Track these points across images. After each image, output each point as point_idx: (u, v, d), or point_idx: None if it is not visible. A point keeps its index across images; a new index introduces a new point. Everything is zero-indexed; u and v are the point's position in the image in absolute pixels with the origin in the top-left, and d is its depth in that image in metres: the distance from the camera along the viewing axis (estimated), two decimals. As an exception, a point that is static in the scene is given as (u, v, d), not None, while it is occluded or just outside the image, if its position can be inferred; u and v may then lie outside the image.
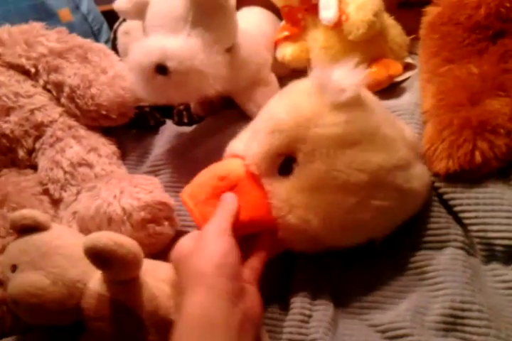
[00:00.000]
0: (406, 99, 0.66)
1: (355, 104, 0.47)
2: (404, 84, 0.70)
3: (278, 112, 0.49)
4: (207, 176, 0.51)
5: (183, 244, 0.46)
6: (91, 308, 0.47)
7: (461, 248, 0.50)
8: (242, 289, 0.42)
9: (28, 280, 0.46)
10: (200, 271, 0.41)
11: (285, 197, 0.47)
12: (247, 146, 0.52)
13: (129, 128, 0.77)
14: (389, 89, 0.69)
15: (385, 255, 0.52)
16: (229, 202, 0.48)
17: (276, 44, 0.77)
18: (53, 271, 0.47)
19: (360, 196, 0.46)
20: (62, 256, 0.48)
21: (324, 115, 0.47)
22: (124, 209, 0.55)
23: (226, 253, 0.42)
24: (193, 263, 0.42)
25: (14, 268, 0.48)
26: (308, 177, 0.47)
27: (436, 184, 0.53)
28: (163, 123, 0.79)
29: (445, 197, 0.52)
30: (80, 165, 0.64)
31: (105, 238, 0.43)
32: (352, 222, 0.47)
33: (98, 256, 0.43)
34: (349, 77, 0.47)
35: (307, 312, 0.48)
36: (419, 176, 0.50)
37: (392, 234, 0.51)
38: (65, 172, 0.63)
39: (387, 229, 0.50)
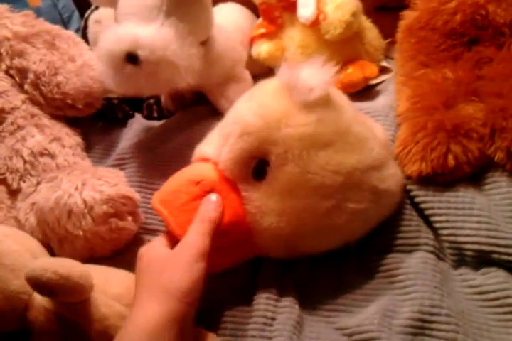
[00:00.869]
0: (380, 102, 0.65)
1: (324, 103, 0.46)
2: (378, 87, 0.70)
3: (245, 114, 0.47)
4: (179, 182, 0.49)
5: (156, 250, 0.45)
6: (37, 323, 0.44)
7: (432, 252, 0.49)
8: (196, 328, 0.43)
9: None
10: (166, 290, 0.41)
11: (259, 202, 0.46)
12: (217, 151, 0.49)
13: (95, 119, 0.74)
14: (363, 92, 0.69)
15: (354, 257, 0.51)
16: (210, 210, 0.45)
17: (252, 41, 0.75)
18: None
19: (336, 199, 0.45)
20: (3, 266, 0.44)
21: (294, 115, 0.45)
22: (85, 201, 0.52)
23: (195, 281, 0.42)
24: (162, 278, 0.42)
25: None
26: (282, 181, 0.45)
27: (408, 187, 0.52)
28: (132, 116, 0.76)
29: (416, 200, 0.52)
30: (42, 154, 0.61)
31: (49, 272, 0.40)
32: (327, 226, 0.46)
33: (42, 288, 0.41)
34: (317, 75, 0.45)
35: (270, 314, 0.47)
36: (393, 176, 0.49)
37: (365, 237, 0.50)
38: (25, 161, 0.60)
39: (362, 232, 0.49)
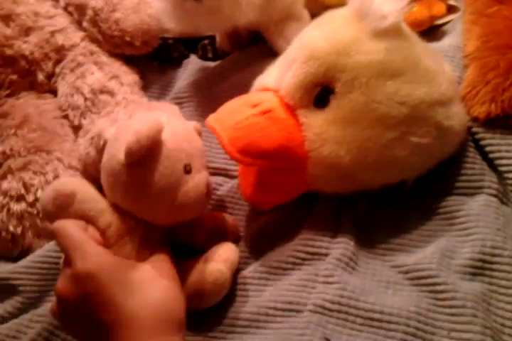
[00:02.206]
0: (446, 42, 0.62)
1: (396, 31, 0.45)
2: (445, 28, 0.66)
3: (314, 39, 0.47)
4: (236, 104, 0.49)
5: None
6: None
7: (495, 195, 0.48)
8: None
9: None
10: (174, 321, 0.38)
11: (319, 130, 0.45)
12: (279, 78, 0.49)
13: (150, 59, 0.74)
14: (429, 32, 0.65)
15: (414, 199, 0.50)
16: None
17: (311, -22, 0.72)
18: None
19: (399, 131, 0.44)
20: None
21: (364, 42, 0.45)
22: None
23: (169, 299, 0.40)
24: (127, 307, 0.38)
25: None
26: (346, 109, 0.45)
27: (474, 129, 0.51)
28: (187, 56, 0.76)
29: (482, 143, 0.50)
30: (101, 92, 0.62)
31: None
32: (387, 158, 0.45)
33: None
34: (391, 3, 0.44)
35: (324, 250, 0.47)
36: (458, 115, 0.48)
37: (423, 179, 0.49)
38: (86, 99, 0.61)
39: (422, 169, 0.48)
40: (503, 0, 0.57)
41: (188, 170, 0.45)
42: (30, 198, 0.56)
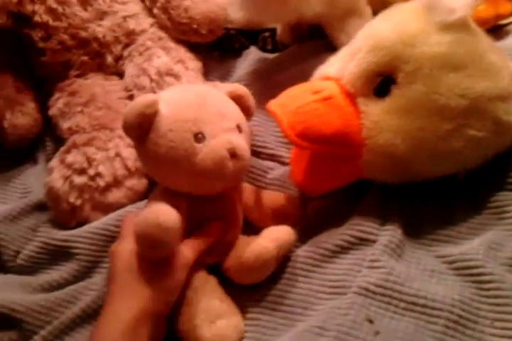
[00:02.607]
0: (510, 42, 0.62)
1: (462, 25, 0.46)
2: (509, 27, 0.66)
3: (380, 29, 0.48)
4: (297, 90, 0.51)
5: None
6: None
7: (547, 193, 0.48)
8: None
9: None
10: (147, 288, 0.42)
11: (377, 118, 0.47)
12: (342, 67, 0.50)
13: (211, 49, 0.77)
14: (492, 31, 0.65)
15: (465, 192, 0.50)
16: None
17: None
18: None
19: (456, 123, 0.45)
20: None
21: (431, 34, 0.45)
22: None
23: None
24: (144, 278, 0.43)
25: None
26: (406, 99, 0.45)
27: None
28: (247, 47, 0.78)
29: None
30: (167, 74, 0.64)
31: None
32: (442, 149, 0.46)
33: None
34: None
35: (373, 237, 0.48)
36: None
37: (474, 172, 0.49)
38: (152, 80, 0.64)
39: (475, 162, 0.48)
40: None
41: (199, 138, 0.44)
42: (92, 172, 0.58)
